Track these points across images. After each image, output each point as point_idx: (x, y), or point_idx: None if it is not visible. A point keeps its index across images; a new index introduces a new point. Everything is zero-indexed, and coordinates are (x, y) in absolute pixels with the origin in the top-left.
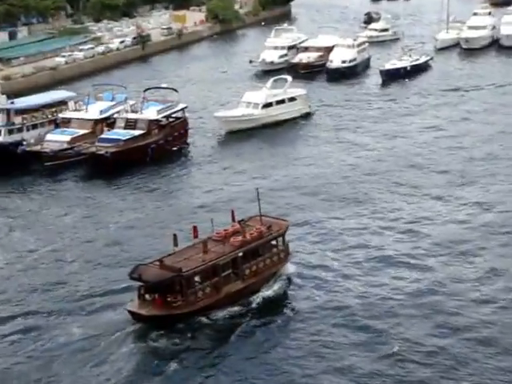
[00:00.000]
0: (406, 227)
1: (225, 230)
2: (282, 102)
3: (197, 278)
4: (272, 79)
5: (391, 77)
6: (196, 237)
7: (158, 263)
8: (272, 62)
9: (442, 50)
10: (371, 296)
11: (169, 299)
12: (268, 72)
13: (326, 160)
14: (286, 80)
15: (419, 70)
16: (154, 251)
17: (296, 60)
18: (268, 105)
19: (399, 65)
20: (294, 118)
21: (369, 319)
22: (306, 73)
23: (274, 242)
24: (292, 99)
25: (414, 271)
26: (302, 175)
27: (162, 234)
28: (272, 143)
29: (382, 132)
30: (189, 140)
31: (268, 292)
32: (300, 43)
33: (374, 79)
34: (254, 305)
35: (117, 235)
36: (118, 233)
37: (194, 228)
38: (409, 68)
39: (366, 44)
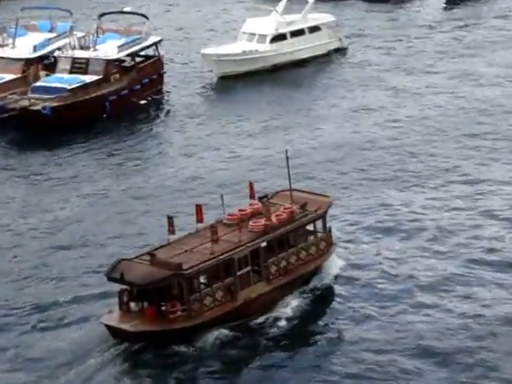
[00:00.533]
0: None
1: (240, 211)
2: (299, 32)
3: (203, 279)
4: None
5: None
6: (200, 220)
7: (147, 258)
8: None
9: None
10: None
11: (164, 309)
12: None
13: (365, 117)
14: (305, 1)
15: None
16: (132, 245)
17: None
18: (279, 37)
19: None
20: (318, 57)
21: (447, 353)
22: None
23: (310, 228)
24: (315, 29)
25: None
26: (329, 138)
27: (138, 221)
28: (285, 93)
29: (447, 74)
30: (165, 89)
31: (300, 300)
32: None
33: None
34: (281, 319)
35: (73, 224)
36: (74, 220)
37: (198, 208)
38: None
39: None
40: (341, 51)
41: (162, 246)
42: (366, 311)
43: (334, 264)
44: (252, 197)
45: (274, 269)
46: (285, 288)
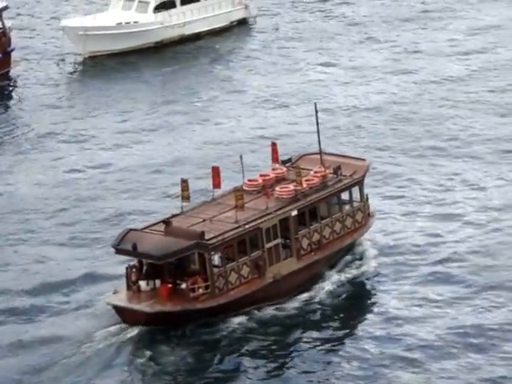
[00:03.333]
0: None
1: (262, 176)
2: None
3: (226, 253)
4: None
5: None
6: (217, 185)
7: (160, 228)
8: None
9: None
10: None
11: (182, 286)
12: None
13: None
14: None
15: None
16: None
17: None
18: (166, 5)
19: None
20: (217, 30)
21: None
22: None
23: (345, 196)
24: None
25: None
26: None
27: None
28: (173, 80)
29: (390, 51)
30: (13, 72)
31: (336, 279)
32: None
33: None
34: (313, 300)
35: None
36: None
37: (215, 170)
38: None
39: None
40: (247, 23)
41: (174, 216)
42: (405, 293)
43: (372, 239)
44: (275, 160)
45: (305, 243)
46: (317, 265)
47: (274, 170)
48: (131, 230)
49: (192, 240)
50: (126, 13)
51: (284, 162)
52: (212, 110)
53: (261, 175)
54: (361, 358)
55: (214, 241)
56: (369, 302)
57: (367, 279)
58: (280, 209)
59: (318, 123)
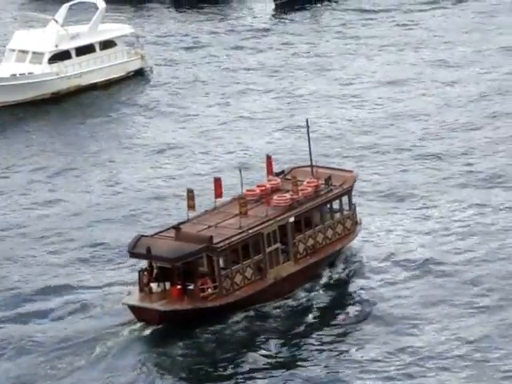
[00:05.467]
0: None
1: (259, 187)
2: (88, 49)
3: (232, 256)
4: (67, 5)
5: None
6: (219, 195)
7: (170, 234)
8: None
9: None
10: None
11: (192, 287)
12: None
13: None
14: (94, 6)
15: None
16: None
17: None
18: (61, 56)
19: None
20: (114, 81)
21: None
22: None
23: (336, 205)
24: (108, 44)
25: None
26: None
27: None
28: (70, 132)
29: (279, 101)
30: None
31: (329, 279)
32: None
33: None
34: (310, 299)
35: None
36: None
37: (216, 182)
38: None
39: None
40: (145, 73)
41: (181, 223)
42: (392, 295)
43: (359, 244)
44: (270, 172)
45: (301, 247)
46: (312, 268)
47: (269, 181)
48: (142, 236)
49: (202, 244)
50: (21, 64)
51: (277, 174)
52: (104, 159)
53: (258, 185)
54: (359, 357)
55: (222, 244)
56: (362, 300)
57: (358, 279)
58: (279, 215)
59: (309, 139)
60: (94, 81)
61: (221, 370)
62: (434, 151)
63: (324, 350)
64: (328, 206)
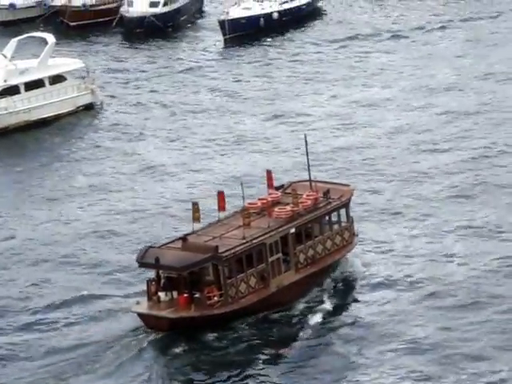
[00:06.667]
0: None
1: (260, 200)
2: (37, 84)
3: (236, 265)
4: (16, 39)
5: (242, 30)
6: (222, 208)
7: (177, 245)
8: (13, 6)
9: None
10: None
11: (198, 296)
12: (7, 24)
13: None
14: (44, 41)
15: (298, 17)
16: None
17: (61, 1)
18: (9, 90)
19: (257, 10)
20: (63, 116)
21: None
22: (82, 25)
23: (334, 217)
24: (58, 79)
25: None
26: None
27: None
28: (15, 169)
29: (223, 138)
30: None
31: (329, 288)
32: None
33: (210, 35)
34: (311, 307)
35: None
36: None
37: (220, 195)
38: (276, 16)
39: None
40: (94, 108)
41: (187, 235)
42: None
43: (357, 255)
44: (270, 186)
45: (302, 257)
46: (312, 277)
47: (270, 194)
48: (151, 247)
49: (208, 253)
50: None
51: (277, 188)
52: (47, 197)
53: (259, 199)
54: (361, 359)
55: (227, 254)
56: (360, 307)
57: (357, 288)
58: (280, 227)
59: (307, 153)
60: (44, 116)
61: (226, 374)
62: (422, 169)
63: (324, 355)
64: (327, 218)
